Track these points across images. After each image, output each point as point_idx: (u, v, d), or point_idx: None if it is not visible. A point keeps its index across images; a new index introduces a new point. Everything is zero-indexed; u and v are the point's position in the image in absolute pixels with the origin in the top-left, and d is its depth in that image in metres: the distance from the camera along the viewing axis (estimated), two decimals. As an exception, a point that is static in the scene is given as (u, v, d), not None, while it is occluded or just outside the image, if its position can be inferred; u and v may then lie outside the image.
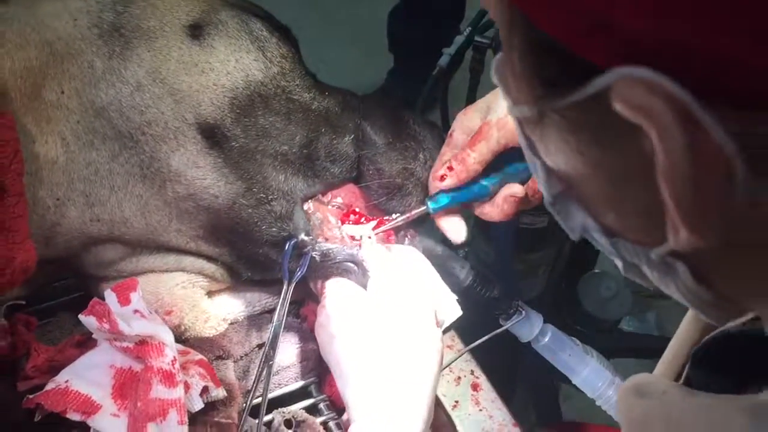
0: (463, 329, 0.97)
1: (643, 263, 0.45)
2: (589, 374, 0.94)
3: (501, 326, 0.95)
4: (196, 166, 0.83)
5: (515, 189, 0.86)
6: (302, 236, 0.87)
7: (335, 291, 0.86)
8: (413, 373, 0.78)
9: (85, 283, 0.94)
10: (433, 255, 0.91)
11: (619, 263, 0.49)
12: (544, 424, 1.80)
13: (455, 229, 0.90)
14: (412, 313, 0.82)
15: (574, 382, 0.97)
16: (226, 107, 0.83)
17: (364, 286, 0.86)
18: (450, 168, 0.86)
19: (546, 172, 0.47)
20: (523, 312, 0.95)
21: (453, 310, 0.88)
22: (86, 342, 0.85)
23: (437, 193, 0.89)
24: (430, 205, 0.89)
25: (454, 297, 0.89)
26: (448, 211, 0.90)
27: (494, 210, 0.88)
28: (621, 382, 0.92)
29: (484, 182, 0.87)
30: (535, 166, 0.48)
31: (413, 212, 0.91)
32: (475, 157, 0.85)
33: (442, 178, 0.86)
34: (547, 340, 0.96)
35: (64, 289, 0.95)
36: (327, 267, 0.88)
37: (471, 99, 1.65)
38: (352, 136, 0.91)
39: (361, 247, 0.88)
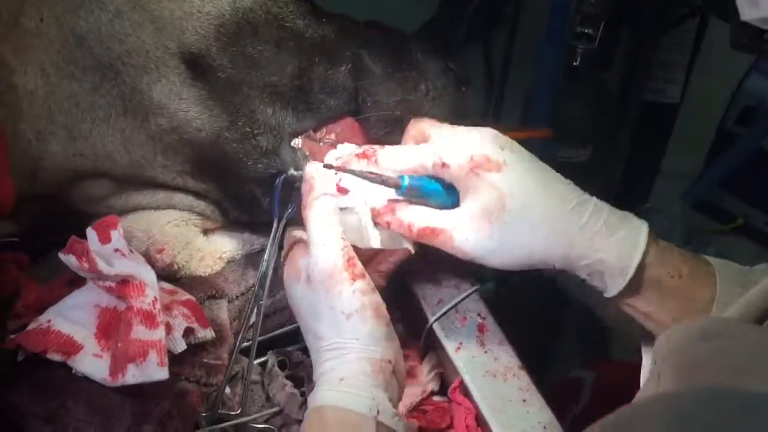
0: (474, 272, 0.91)
1: None
2: None
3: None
4: (179, 98, 0.79)
5: None
6: (291, 171, 0.82)
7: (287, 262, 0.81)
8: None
9: (78, 220, 0.91)
10: None
11: None
12: (590, 362, 1.74)
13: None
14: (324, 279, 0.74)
15: None
16: (212, 36, 0.78)
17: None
18: None
19: None
20: None
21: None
22: (77, 281, 0.82)
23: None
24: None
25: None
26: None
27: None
28: None
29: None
30: None
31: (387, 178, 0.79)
32: None
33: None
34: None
35: (57, 227, 0.92)
36: None
37: (514, 27, 1.55)
38: (349, 66, 0.84)
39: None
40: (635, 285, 0.73)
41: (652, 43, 1.42)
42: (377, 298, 0.74)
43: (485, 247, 0.75)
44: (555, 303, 1.48)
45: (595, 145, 1.45)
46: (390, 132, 0.85)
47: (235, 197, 0.86)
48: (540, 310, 1.49)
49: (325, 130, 0.86)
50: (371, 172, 0.76)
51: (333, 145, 0.84)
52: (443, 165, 0.76)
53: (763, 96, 1.45)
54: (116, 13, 0.77)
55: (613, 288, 0.74)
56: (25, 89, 0.78)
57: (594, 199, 0.75)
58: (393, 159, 0.79)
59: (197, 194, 0.88)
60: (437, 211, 0.78)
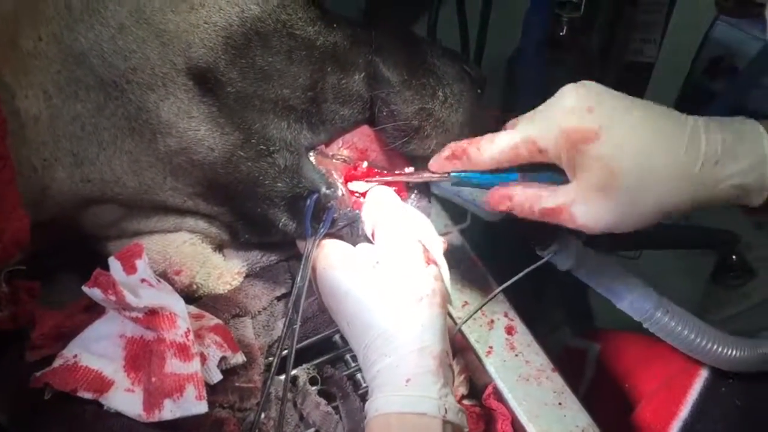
0: (493, 270, 0.91)
1: None
2: (635, 298, 0.87)
3: (538, 259, 0.88)
4: (188, 116, 0.76)
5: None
6: (324, 190, 0.79)
7: (327, 256, 0.78)
8: (409, 320, 0.70)
9: (89, 241, 0.88)
10: (460, 195, 0.83)
11: None
12: (573, 328, 1.76)
13: None
14: (400, 260, 0.74)
15: (619, 307, 0.89)
16: (220, 48, 0.74)
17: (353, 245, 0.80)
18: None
19: None
20: (562, 241, 0.88)
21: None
22: (95, 306, 0.79)
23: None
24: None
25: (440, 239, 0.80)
26: None
27: None
28: (668, 302, 0.86)
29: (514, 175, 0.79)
30: None
31: (433, 176, 0.82)
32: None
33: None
34: (587, 266, 0.89)
35: (67, 247, 0.89)
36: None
37: (488, 6, 1.51)
38: (363, 74, 0.81)
39: (361, 206, 0.81)
40: None
41: (632, 4, 1.43)
42: (445, 287, 0.73)
43: (610, 219, 0.71)
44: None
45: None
46: (408, 142, 0.83)
47: (248, 218, 0.84)
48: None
49: (341, 141, 0.83)
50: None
51: (346, 162, 0.83)
52: (540, 151, 0.73)
53: (729, 45, 1.47)
54: (119, 28, 0.73)
55: (755, 201, 0.70)
56: (27, 114, 0.74)
57: (699, 120, 0.71)
58: (485, 154, 0.76)
59: (208, 217, 0.86)
60: (554, 189, 0.74)
